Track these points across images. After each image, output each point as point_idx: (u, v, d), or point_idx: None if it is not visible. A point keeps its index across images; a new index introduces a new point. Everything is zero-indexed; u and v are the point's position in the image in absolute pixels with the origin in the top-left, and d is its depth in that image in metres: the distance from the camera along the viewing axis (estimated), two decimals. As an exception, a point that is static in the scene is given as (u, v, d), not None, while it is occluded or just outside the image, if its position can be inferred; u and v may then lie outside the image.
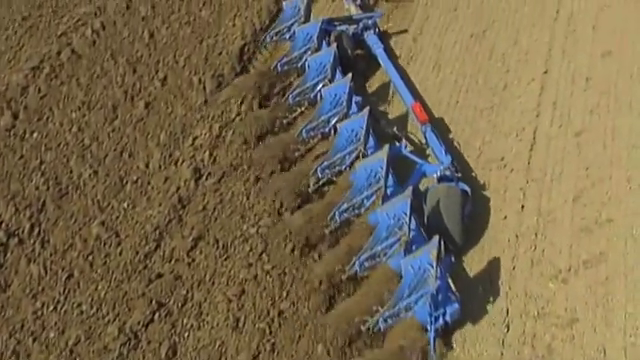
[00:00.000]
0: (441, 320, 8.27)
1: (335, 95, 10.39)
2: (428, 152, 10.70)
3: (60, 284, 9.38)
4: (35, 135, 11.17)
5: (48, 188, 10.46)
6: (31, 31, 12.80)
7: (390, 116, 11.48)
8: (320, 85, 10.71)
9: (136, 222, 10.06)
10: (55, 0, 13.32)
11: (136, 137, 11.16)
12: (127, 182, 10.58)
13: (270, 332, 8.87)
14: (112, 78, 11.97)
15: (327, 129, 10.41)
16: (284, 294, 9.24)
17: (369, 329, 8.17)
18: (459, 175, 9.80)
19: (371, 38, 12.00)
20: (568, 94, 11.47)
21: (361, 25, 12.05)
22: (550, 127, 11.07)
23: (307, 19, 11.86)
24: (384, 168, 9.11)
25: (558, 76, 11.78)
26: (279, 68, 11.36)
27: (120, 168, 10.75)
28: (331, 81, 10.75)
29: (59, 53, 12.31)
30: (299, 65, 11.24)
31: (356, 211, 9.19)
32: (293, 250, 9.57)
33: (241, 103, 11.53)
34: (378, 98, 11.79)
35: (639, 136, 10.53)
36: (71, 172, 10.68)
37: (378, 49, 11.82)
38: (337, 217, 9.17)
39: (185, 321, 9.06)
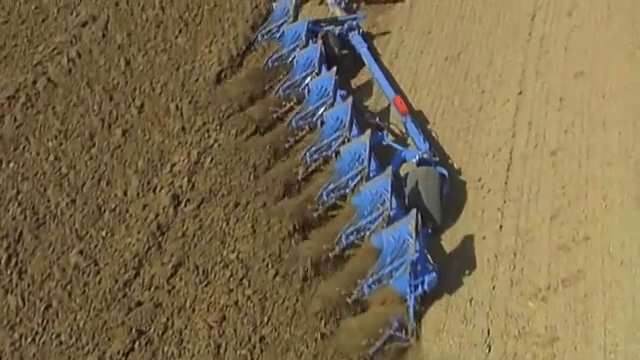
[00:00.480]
0: (420, 289, 8.72)
1: (322, 87, 11.10)
2: (409, 142, 11.10)
3: (38, 315, 9.26)
4: (11, 165, 11.09)
5: (25, 218, 10.36)
6: (6, 61, 12.76)
7: (373, 109, 12.00)
8: (308, 79, 11.39)
9: (115, 250, 9.99)
10: (30, 29, 13.29)
11: (114, 165, 11.11)
12: (105, 210, 10.51)
13: (252, 358, 8.81)
14: (89, 106, 11.94)
15: (315, 119, 11.04)
16: (265, 319, 9.20)
17: (355, 299, 8.76)
18: (436, 160, 10.52)
19: (355, 38, 12.70)
20: (543, 114, 11.61)
21: (346, 26, 12.78)
22: (526, 147, 11.18)
23: (296, 19, 12.80)
24: (367, 150, 9.76)
25: (532, 97, 11.93)
26: (270, 64, 12.06)
27: (98, 196, 10.69)
28: (318, 74, 11.42)
29: (35, 82, 12.27)
30: (288, 61, 11.93)
31: (342, 191, 9.92)
32: (275, 275, 9.58)
33: (219, 128, 11.57)
34: (362, 93, 12.34)
35: (613, 154, 10.66)
36: (48, 201, 10.60)
37: (362, 48, 12.51)
38: (325, 197, 9.92)
39: (166, 349, 8.97)
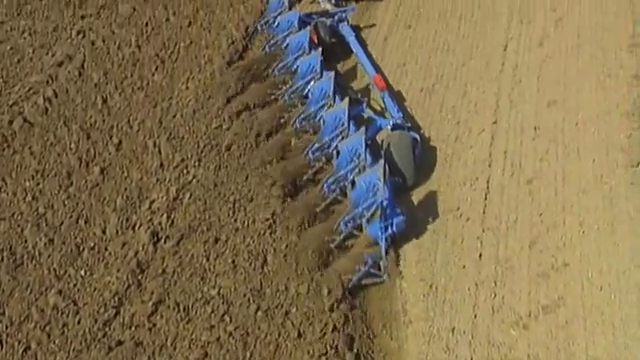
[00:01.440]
0: (390, 230, 10.02)
1: (309, 64, 12.52)
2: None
3: (17, 357, 9.13)
4: (-12, 205, 11.00)
5: (2, 259, 10.26)
6: (-18, 102, 12.72)
7: (356, 89, 13.15)
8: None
9: (94, 289, 9.90)
10: (6, 70, 13.26)
11: (92, 203, 11.06)
12: (84, 249, 10.44)
13: (235, 395, 8.76)
14: (66, 145, 11.90)
15: (305, 91, 12.35)
16: (248, 355, 9.15)
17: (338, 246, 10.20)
18: (409, 125, 11.78)
19: (345, 28, 13.85)
20: (518, 143, 11.75)
21: (336, 18, 13.95)
22: (502, 176, 11.30)
23: (291, 9, 14.03)
24: (346, 113, 11.33)
25: (507, 126, 12.08)
26: (267, 49, 13.42)
27: (76, 235, 10.61)
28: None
29: (11, 122, 12.22)
30: (284, 46, 13.18)
31: (325, 151, 11.33)
32: (257, 310, 9.55)
33: (198, 164, 11.59)
34: (348, 75, 13.54)
35: (588, 181, 10.80)
36: (26, 242, 10.50)
37: (350, 37, 13.68)
38: (310, 156, 11.31)
39: (148, 388, 8.88)
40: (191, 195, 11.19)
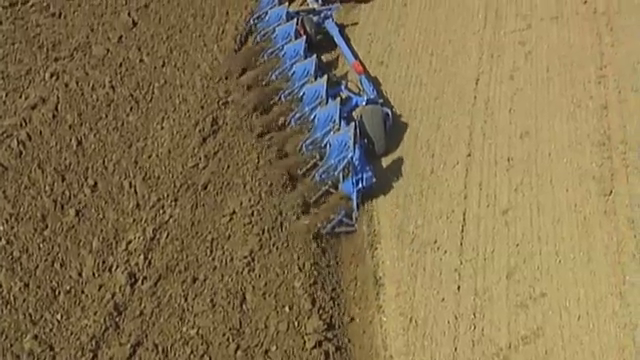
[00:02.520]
0: (360, 184, 11.39)
1: (294, 50, 13.77)
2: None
3: (-8, 405, 8.97)
4: (-39, 251, 10.85)
5: (-24, 304, 10.11)
6: (-46, 146, 12.61)
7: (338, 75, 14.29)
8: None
9: (71, 333, 9.77)
10: (-22, 114, 13.20)
11: (67, 246, 10.95)
12: (60, 293, 10.31)
13: None
14: (40, 188, 11.80)
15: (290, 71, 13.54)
16: (228, 395, 9.06)
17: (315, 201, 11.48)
18: (381, 101, 13.06)
19: (329, 24, 15.02)
20: (492, 174, 11.88)
21: (322, 15, 15.14)
22: (478, 207, 11.40)
23: (281, 4, 15.24)
24: (324, 86, 12.68)
25: (481, 158, 12.22)
26: (259, 39, 14.64)
27: (52, 279, 10.48)
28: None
29: (-16, 166, 12.13)
30: (273, 36, 14.37)
31: (305, 119, 12.60)
32: (237, 349, 9.47)
33: (174, 203, 11.56)
34: (331, 64, 14.67)
35: (563, 211, 10.94)
36: (0, 286, 10.35)
37: (334, 31, 14.85)
38: (293, 124, 12.69)
39: None
40: (168, 235, 11.13)
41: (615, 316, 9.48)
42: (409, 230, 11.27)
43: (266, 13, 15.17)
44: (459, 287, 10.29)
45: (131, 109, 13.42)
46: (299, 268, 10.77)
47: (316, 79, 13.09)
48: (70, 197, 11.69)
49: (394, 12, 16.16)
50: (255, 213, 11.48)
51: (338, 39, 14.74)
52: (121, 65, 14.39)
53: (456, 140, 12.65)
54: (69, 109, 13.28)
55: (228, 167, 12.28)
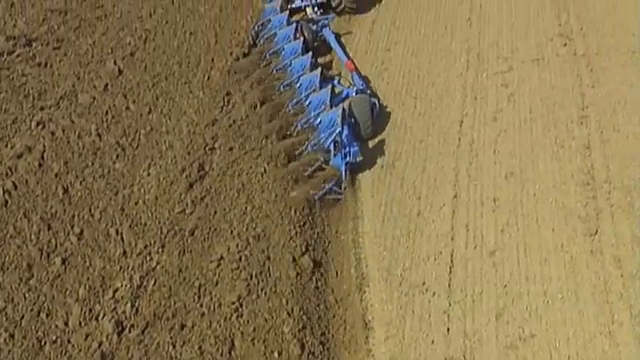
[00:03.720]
0: (347, 158, 12.87)
1: (293, 48, 15.73)
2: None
3: None
4: (-54, 302, 10.73)
5: (-39, 357, 9.97)
6: (-61, 197, 12.54)
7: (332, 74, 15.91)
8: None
9: (57, 384, 9.65)
10: (-37, 165, 13.16)
11: (54, 295, 10.85)
12: (45, 343, 10.19)
13: None
14: (26, 237, 11.73)
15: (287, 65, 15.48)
16: None
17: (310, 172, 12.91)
18: (369, 92, 14.69)
19: (326, 31, 16.87)
20: (479, 215, 11.93)
21: (320, 24, 16.99)
22: (465, 249, 11.42)
23: (282, 11, 17.18)
24: (318, 76, 14.52)
25: (467, 199, 12.28)
26: (262, 42, 16.57)
27: (38, 329, 10.37)
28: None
29: (-31, 217, 12.06)
30: (275, 38, 16.25)
31: (301, 102, 14.24)
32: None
33: (162, 250, 11.51)
34: (326, 65, 16.28)
35: (549, 251, 10.98)
36: (-15, 338, 10.23)
37: (330, 37, 16.67)
38: (291, 108, 14.34)
39: None
40: (155, 282, 11.07)
41: (605, 355, 9.46)
42: (397, 272, 11.27)
43: (269, 20, 17.04)
44: (448, 329, 10.25)
45: (117, 156, 13.43)
46: (288, 313, 10.71)
47: (311, 71, 14.92)
48: (56, 245, 11.62)
49: (378, 57, 16.43)
50: (243, 258, 11.47)
51: (333, 43, 16.55)
52: (107, 113, 14.46)
53: (442, 182, 12.72)
54: (55, 157, 13.28)
55: (215, 212, 12.28)
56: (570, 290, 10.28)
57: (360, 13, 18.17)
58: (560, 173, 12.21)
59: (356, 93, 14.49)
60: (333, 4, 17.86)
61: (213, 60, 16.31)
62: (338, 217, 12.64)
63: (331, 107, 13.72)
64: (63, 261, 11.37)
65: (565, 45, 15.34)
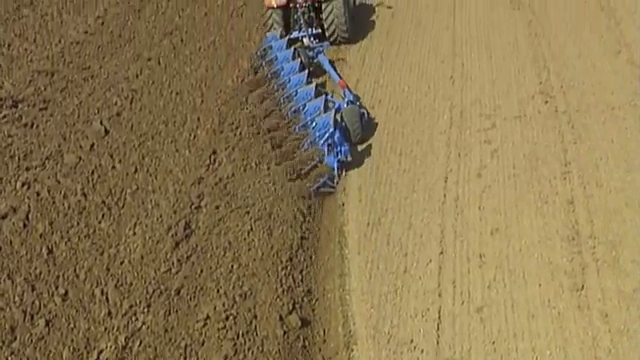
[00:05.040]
0: (339, 155, 14.70)
1: (292, 67, 17.87)
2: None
3: None
4: None
5: (-60, 423, 9.73)
6: None
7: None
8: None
9: None
10: (-54, 226, 13.06)
11: (37, 357, 10.68)
12: (29, 407, 10.00)
13: None
14: (9, 298, 11.59)
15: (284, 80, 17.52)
16: None
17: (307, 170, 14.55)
18: (359, 104, 16.50)
19: (321, 57, 18.73)
20: (465, 271, 11.95)
21: (315, 51, 18.88)
22: (453, 305, 11.39)
23: (282, 37, 19.26)
24: (314, 88, 16.63)
25: (454, 255, 12.31)
26: (264, 64, 18.33)
27: (21, 393, 10.20)
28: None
29: (-47, 278, 11.92)
30: (276, 60, 18.13)
31: (298, 111, 16.14)
32: None
33: (147, 310, 11.41)
34: (321, 84, 17.70)
35: (536, 307, 10.98)
36: (-34, 403, 10.03)
37: (324, 61, 18.49)
38: (289, 115, 16.06)
39: None
40: (141, 343, 10.93)
41: (595, 412, 9.40)
42: (385, 330, 11.20)
43: (271, 46, 18.79)
44: (438, 387, 10.16)
45: (103, 216, 13.40)
46: (275, 373, 10.60)
47: (307, 85, 16.89)
48: (40, 307, 11.49)
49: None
50: (229, 317, 11.36)
51: (327, 66, 18.35)
52: (93, 172, 14.48)
53: (428, 238, 12.77)
54: (40, 218, 13.23)
55: (201, 271, 12.22)
56: (558, 346, 10.25)
57: (352, 43, 20.11)
58: (545, 228, 12.31)
59: (347, 104, 16.10)
60: (327, 34, 19.73)
61: (199, 119, 16.46)
62: (325, 274, 12.61)
63: (325, 112, 15.69)
64: (47, 323, 11.22)
65: (546, 102, 15.64)
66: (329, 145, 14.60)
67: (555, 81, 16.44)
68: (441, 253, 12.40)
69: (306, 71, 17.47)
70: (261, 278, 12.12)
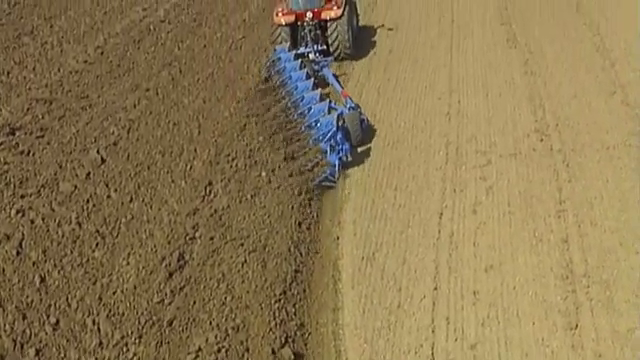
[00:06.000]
0: (341, 153, 15.96)
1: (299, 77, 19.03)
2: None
3: None
4: None
5: None
6: None
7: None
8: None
9: None
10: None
11: (26, 387, 10.59)
12: None
13: None
14: (0, 327, 11.50)
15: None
16: None
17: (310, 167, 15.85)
18: (360, 110, 17.51)
19: (325, 70, 19.97)
20: (459, 308, 11.90)
21: (320, 65, 20.10)
22: (446, 342, 11.33)
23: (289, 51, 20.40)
24: (319, 94, 17.79)
25: (448, 291, 12.27)
26: (273, 73, 19.58)
27: (8, 423, 10.06)
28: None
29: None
30: (284, 70, 19.16)
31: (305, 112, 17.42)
32: None
33: (139, 341, 11.31)
34: (326, 95, 18.43)
35: (530, 345, 10.93)
36: None
37: (328, 74, 19.76)
38: (296, 116, 17.32)
39: None
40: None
41: None
42: (377, 369, 11.11)
43: (279, 58, 19.80)
44: None
45: (97, 245, 13.36)
46: (267, 408, 10.50)
47: (312, 91, 18.16)
48: (31, 336, 11.39)
49: (359, 149, 16.70)
50: (221, 350, 11.27)
51: (331, 79, 19.60)
52: (88, 201, 14.48)
53: (422, 274, 12.74)
54: (34, 245, 13.19)
55: (194, 303, 12.15)
56: (552, 385, 10.20)
57: (355, 59, 21.63)
58: (539, 266, 12.30)
59: (349, 110, 17.16)
60: (331, 50, 21.16)
61: (196, 150, 16.51)
62: (318, 308, 12.56)
63: (328, 114, 16.86)
64: (37, 352, 11.11)
65: (541, 140, 15.74)
66: (331, 145, 15.83)
67: (550, 120, 16.58)
68: (435, 289, 12.36)
69: (312, 80, 18.63)
70: (254, 311, 12.05)
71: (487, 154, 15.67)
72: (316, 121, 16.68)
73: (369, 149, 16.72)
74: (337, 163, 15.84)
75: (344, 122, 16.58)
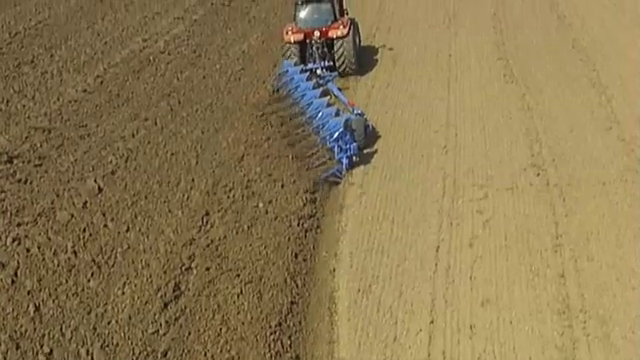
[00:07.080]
0: (348, 152, 17.40)
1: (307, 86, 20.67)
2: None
3: None
4: None
5: None
6: None
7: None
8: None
9: None
10: None
11: (17, 418, 10.47)
12: None
13: None
14: (-7, 356, 11.45)
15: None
16: None
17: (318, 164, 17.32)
18: (365, 116, 18.94)
19: (330, 84, 21.19)
20: (455, 342, 11.84)
21: (326, 79, 21.40)
22: (442, 377, 11.26)
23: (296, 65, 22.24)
24: (326, 100, 19.53)
25: (444, 325, 12.22)
26: (280, 84, 21.30)
27: None
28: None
29: None
30: (292, 81, 20.83)
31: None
32: None
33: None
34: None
35: (527, 380, 10.88)
36: None
37: (333, 87, 21.07)
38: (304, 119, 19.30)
39: None
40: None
41: None
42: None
43: (287, 70, 21.42)
44: None
45: (92, 274, 13.31)
46: None
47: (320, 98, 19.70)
48: (23, 365, 11.31)
49: (356, 182, 16.74)
50: (216, 382, 11.21)
51: (336, 91, 20.86)
52: (84, 230, 14.45)
53: (418, 307, 12.69)
54: (29, 274, 13.14)
55: (189, 334, 12.08)
56: (549, 421, 10.12)
57: (359, 75, 23.15)
58: (536, 301, 12.26)
59: (355, 115, 18.49)
60: (337, 65, 22.65)
61: (193, 180, 16.53)
62: (313, 340, 12.49)
63: (336, 116, 18.27)
64: (29, 381, 11.04)
65: (538, 175, 15.81)
66: (339, 145, 17.29)
67: (547, 154, 16.66)
68: (431, 322, 12.30)
69: (320, 89, 20.18)
70: (249, 342, 11.98)
71: (484, 188, 15.71)
72: (324, 123, 18.03)
73: (366, 181, 16.76)
74: (344, 161, 17.26)
75: (352, 125, 17.81)
